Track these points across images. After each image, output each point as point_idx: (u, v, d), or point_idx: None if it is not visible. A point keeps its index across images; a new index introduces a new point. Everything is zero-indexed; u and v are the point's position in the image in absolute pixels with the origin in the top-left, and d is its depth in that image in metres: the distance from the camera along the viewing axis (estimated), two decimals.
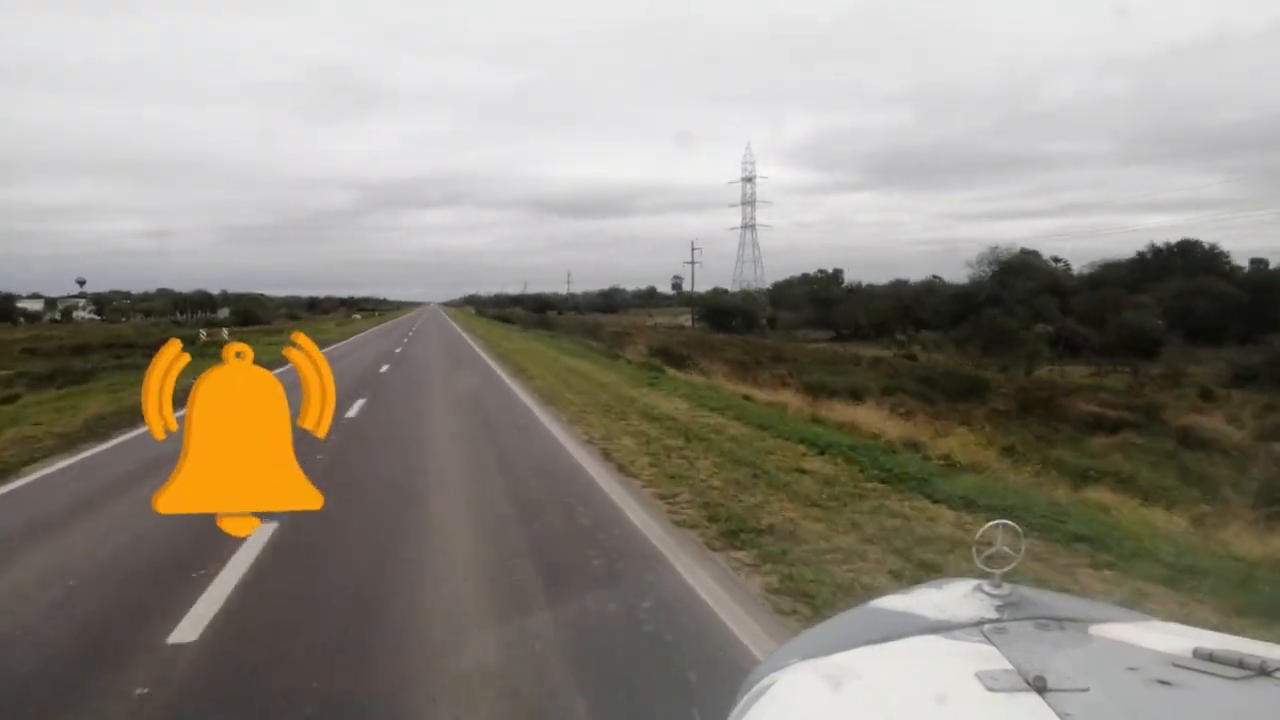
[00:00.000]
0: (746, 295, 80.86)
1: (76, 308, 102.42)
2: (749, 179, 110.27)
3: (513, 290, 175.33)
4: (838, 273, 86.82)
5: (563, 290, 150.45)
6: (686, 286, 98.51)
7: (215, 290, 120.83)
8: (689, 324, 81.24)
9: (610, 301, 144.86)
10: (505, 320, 74.82)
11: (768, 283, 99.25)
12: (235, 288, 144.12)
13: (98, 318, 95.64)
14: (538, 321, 63.03)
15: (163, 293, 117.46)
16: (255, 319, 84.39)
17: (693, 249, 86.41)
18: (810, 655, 1.02)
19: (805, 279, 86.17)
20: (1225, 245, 56.91)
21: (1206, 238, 56.37)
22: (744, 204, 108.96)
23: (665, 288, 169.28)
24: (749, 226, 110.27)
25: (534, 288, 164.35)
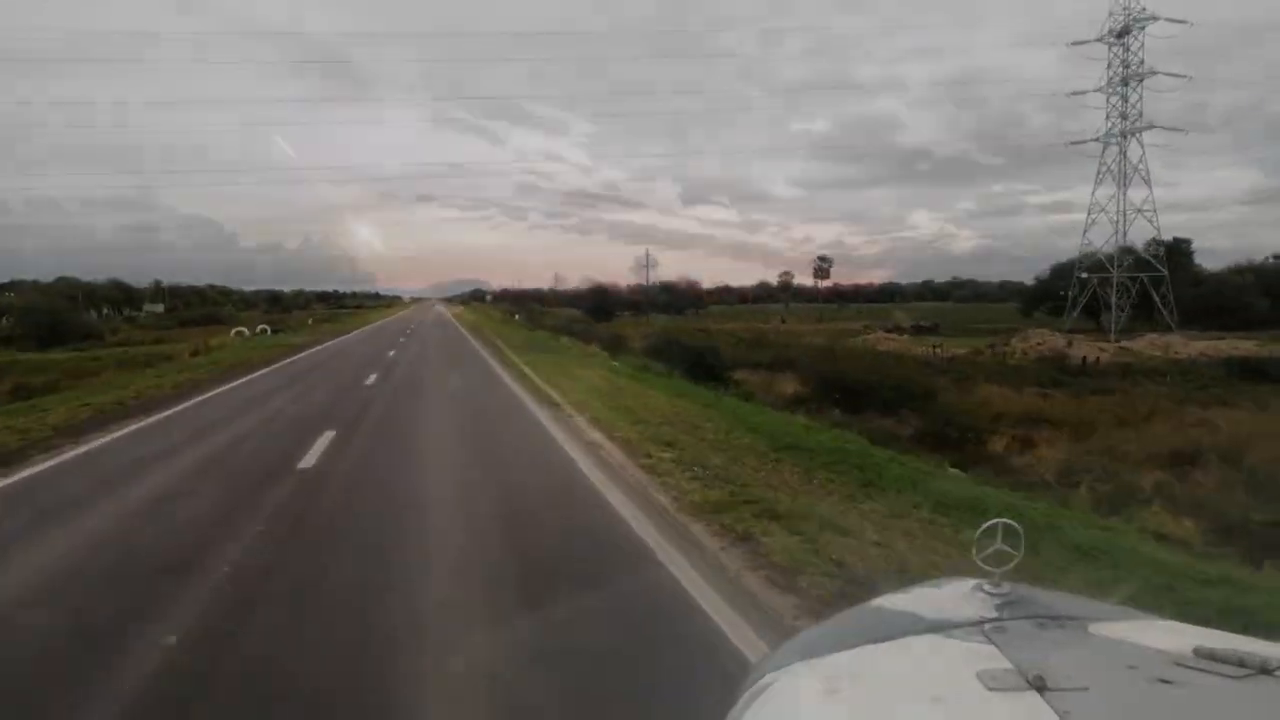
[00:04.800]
0: None
1: None
2: (1124, 31, 51.70)
3: (527, 285, 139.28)
4: (1180, 243, 52.14)
5: (563, 284, 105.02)
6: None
7: (146, 281, 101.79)
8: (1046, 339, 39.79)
9: (672, 299, 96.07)
10: (665, 356, 22.17)
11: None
12: (220, 280, 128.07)
13: None
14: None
15: (63, 282, 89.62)
16: (60, 335, 47.91)
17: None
18: (810, 655, 1.02)
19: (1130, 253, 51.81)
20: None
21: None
22: (1111, 87, 53.04)
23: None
24: (1127, 133, 52.42)
25: (528, 283, 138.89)
